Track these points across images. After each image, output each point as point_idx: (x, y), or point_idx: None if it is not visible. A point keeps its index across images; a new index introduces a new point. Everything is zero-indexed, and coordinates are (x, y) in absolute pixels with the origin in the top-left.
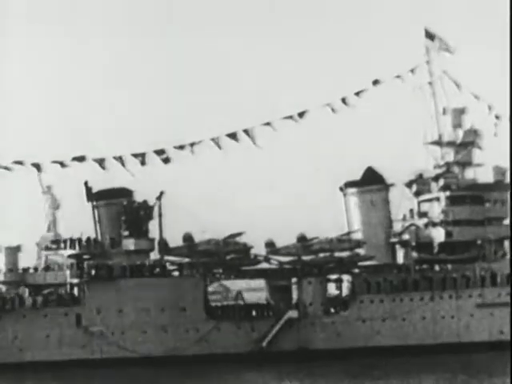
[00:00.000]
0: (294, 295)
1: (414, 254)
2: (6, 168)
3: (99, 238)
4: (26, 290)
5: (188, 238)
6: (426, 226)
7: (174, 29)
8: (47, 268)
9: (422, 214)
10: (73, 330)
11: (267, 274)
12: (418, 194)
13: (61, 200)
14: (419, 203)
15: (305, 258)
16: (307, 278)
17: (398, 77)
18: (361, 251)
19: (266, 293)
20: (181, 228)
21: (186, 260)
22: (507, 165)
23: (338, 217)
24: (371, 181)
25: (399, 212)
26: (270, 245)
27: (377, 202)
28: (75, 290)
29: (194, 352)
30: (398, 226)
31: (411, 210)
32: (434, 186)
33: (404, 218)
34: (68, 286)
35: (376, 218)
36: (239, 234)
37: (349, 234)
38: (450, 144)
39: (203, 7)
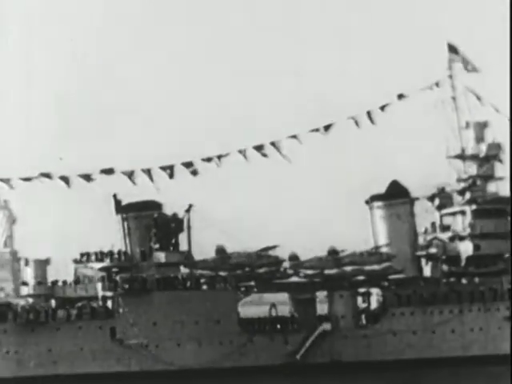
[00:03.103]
0: (318, 308)
1: (444, 268)
2: (27, 179)
3: (128, 250)
4: (53, 303)
5: (221, 251)
6: (452, 239)
7: (198, 36)
8: (77, 281)
9: (445, 228)
10: (107, 342)
11: (298, 288)
12: (440, 207)
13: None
14: (441, 217)
15: (329, 271)
16: (339, 292)
17: (422, 90)
18: (390, 264)
19: (290, 306)
20: (208, 241)
21: (214, 273)
22: None
23: (363, 230)
24: (396, 194)
25: (420, 225)
26: (293, 258)
27: (403, 215)
28: (108, 303)
29: (228, 365)
30: (420, 240)
31: (433, 224)
32: (457, 199)
33: (426, 232)
34: (100, 299)
35: (402, 231)
36: (273, 247)
37: (379, 247)
38: (474, 158)
39: (232, 17)
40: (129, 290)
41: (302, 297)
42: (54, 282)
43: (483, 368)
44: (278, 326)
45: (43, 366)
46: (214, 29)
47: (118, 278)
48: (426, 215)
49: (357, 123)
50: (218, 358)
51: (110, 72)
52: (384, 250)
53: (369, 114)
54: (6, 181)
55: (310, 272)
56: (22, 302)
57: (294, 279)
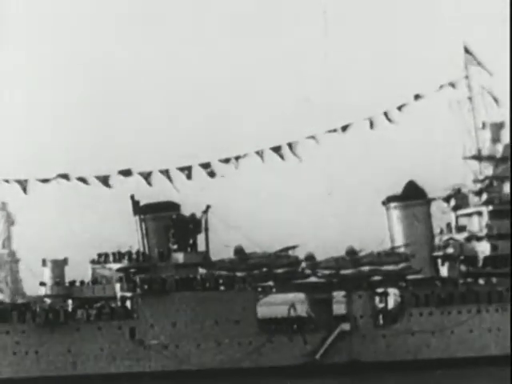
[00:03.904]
0: (334, 308)
1: (462, 268)
2: (46, 180)
3: (146, 251)
4: (70, 303)
5: (239, 251)
6: (468, 239)
7: (215, 39)
8: (94, 281)
9: (461, 228)
10: (127, 343)
11: (317, 288)
12: (456, 208)
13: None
14: (457, 217)
15: (345, 271)
16: (357, 292)
17: (438, 90)
18: (408, 265)
19: (307, 306)
20: (224, 241)
21: (231, 274)
22: None
23: (379, 231)
24: (413, 195)
25: (435, 226)
26: (309, 258)
27: (420, 216)
28: (127, 304)
29: (247, 365)
30: (435, 240)
31: (449, 224)
32: (473, 200)
33: (441, 232)
34: (119, 300)
35: (419, 231)
36: (293, 247)
37: (398, 247)
38: (490, 158)
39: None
40: (148, 290)
41: (318, 297)
42: (72, 283)
43: (501, 368)
44: (295, 327)
45: (63, 367)
46: (226, 29)
47: (136, 278)
48: (440, 216)
49: (371, 124)
50: (238, 358)
51: (126, 72)
52: (401, 250)
53: (386, 114)
54: (23, 182)
55: (327, 272)
56: (19, 301)
57: (312, 279)
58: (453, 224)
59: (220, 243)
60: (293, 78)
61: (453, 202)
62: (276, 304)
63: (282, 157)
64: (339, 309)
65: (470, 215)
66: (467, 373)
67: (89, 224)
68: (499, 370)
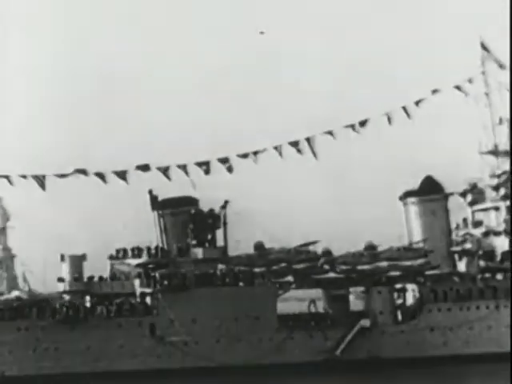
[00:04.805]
0: (351, 304)
1: (482, 263)
2: (63, 176)
3: (165, 246)
4: (87, 299)
5: (259, 247)
6: (485, 234)
7: (233, 33)
8: (112, 277)
9: (477, 223)
10: (147, 339)
11: (337, 283)
12: (472, 203)
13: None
14: (473, 212)
15: (362, 267)
16: (377, 288)
17: (456, 87)
18: (427, 260)
19: (323, 302)
20: (242, 237)
21: (249, 269)
22: None
23: (396, 226)
24: (431, 190)
25: (451, 221)
26: (326, 254)
27: (438, 211)
28: (147, 300)
29: (268, 361)
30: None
31: (465, 220)
32: (490, 194)
33: (457, 227)
34: (138, 296)
35: (437, 227)
36: (313, 243)
37: (416, 243)
38: (507, 154)
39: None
40: (168, 286)
41: (335, 293)
42: (91, 278)
43: None
44: (313, 323)
45: (83, 363)
46: (243, 19)
47: (156, 274)
48: (456, 211)
49: (389, 119)
50: (258, 354)
51: (140, 66)
52: (420, 245)
53: (404, 109)
54: (40, 177)
55: (346, 267)
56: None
57: (331, 275)
58: (469, 219)
59: (239, 238)
60: (308, 74)
61: (469, 197)
62: (294, 300)
63: (299, 151)
64: (355, 305)
65: (486, 210)
66: (485, 369)
67: (107, 219)
68: None
